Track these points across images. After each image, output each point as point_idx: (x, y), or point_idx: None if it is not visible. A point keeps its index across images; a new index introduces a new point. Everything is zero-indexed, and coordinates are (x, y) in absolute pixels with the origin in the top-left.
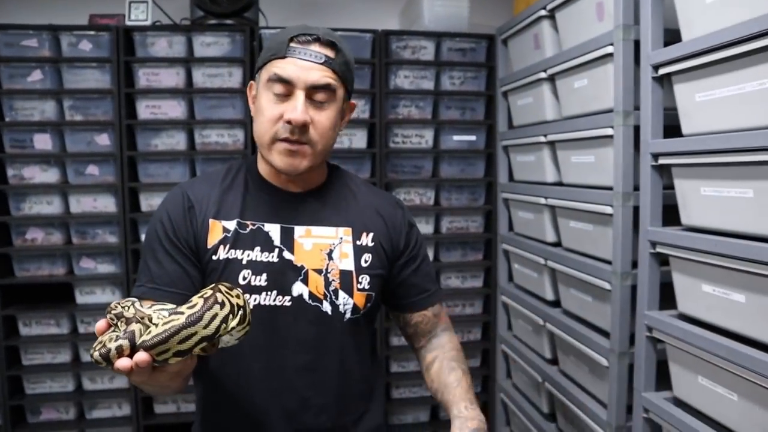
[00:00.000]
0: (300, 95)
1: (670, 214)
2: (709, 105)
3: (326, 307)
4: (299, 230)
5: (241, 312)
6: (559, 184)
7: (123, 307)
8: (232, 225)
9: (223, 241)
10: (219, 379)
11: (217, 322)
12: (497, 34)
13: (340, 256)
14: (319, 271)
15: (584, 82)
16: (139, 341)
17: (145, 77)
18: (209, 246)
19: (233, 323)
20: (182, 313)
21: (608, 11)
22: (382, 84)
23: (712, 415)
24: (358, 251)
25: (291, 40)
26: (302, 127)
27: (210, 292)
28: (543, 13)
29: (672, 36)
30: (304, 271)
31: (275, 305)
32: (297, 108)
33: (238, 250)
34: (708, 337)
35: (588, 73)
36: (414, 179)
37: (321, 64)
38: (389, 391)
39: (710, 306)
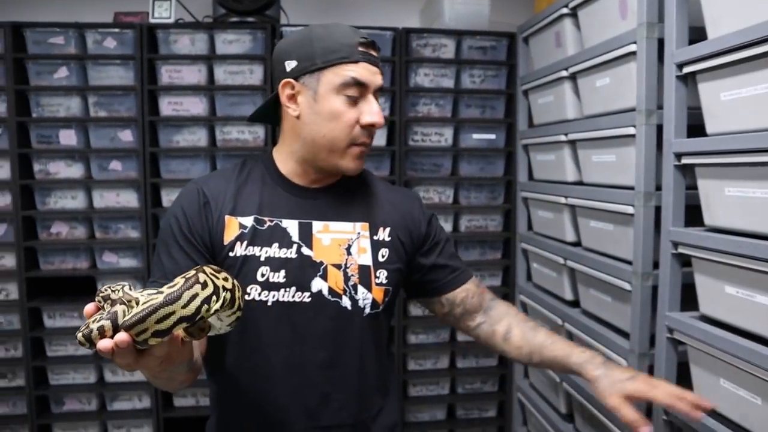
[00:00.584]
0: (373, 99)
1: (691, 215)
2: (734, 104)
3: (346, 302)
4: (317, 225)
5: (227, 295)
6: (580, 183)
7: (112, 290)
8: (249, 221)
9: (239, 238)
10: (237, 375)
11: (197, 302)
12: (518, 33)
13: (358, 251)
14: (338, 266)
15: (606, 81)
16: (120, 322)
17: (167, 74)
18: (225, 242)
19: (216, 306)
20: (162, 292)
21: (632, 9)
22: (402, 82)
23: (734, 418)
24: (376, 246)
25: (359, 44)
26: (374, 130)
27: (192, 272)
28: (565, 11)
29: (696, 34)
30: (323, 266)
31: (294, 302)
32: (376, 111)
33: (255, 247)
34: (731, 339)
35: (610, 72)
36: (433, 177)
37: (378, 67)
38: (406, 389)
39: (733, 308)
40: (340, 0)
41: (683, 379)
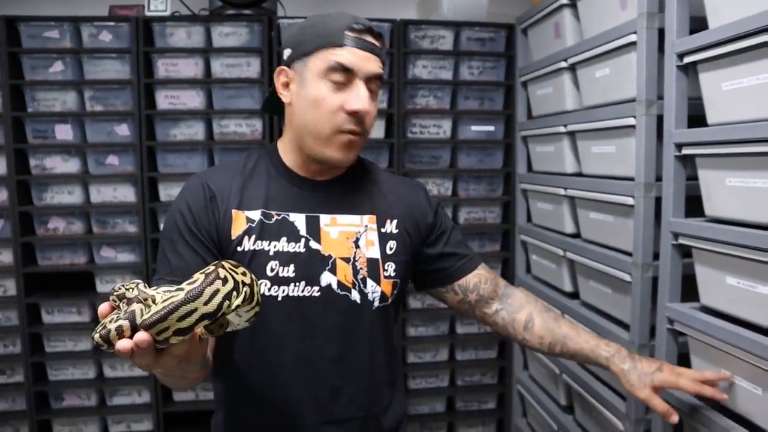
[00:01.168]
0: (361, 85)
1: (691, 206)
2: (735, 94)
3: (355, 295)
4: (324, 219)
5: (246, 290)
6: (579, 174)
7: (127, 289)
8: (256, 215)
9: (247, 232)
10: (247, 371)
11: (218, 298)
12: (517, 24)
13: (366, 244)
14: (346, 260)
15: (606, 72)
16: (139, 321)
17: (164, 68)
18: (233, 237)
19: (237, 301)
20: (182, 289)
21: None
22: (400, 74)
23: (735, 409)
24: (383, 239)
25: (347, 28)
26: (362, 117)
27: (212, 268)
28: (564, 1)
29: (697, 24)
30: (331, 260)
31: (304, 296)
32: (362, 97)
33: (264, 241)
34: (732, 330)
35: (610, 62)
36: (432, 170)
37: (376, 54)
38: (406, 381)
39: (734, 299)
40: None
41: None
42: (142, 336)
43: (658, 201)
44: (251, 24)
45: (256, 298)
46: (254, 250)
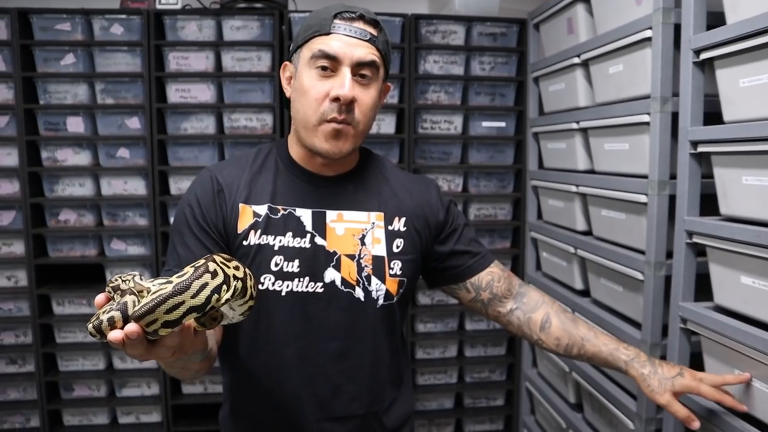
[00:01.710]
0: (346, 72)
1: (705, 204)
2: (753, 91)
3: (359, 293)
4: (331, 215)
5: (238, 284)
6: (591, 171)
7: (123, 281)
8: (263, 210)
9: (253, 226)
10: (250, 365)
11: (207, 291)
12: (529, 19)
13: (372, 242)
14: (351, 257)
15: (620, 68)
16: (130, 312)
17: (175, 61)
18: (239, 231)
19: (227, 295)
20: (171, 282)
21: None
22: (411, 69)
23: (750, 411)
24: (390, 236)
25: (335, 16)
26: (348, 105)
27: (202, 261)
28: None
29: (714, 19)
30: (336, 256)
31: (308, 292)
32: (344, 84)
33: (269, 236)
34: (746, 330)
35: (624, 59)
36: (442, 165)
37: (366, 41)
38: (414, 377)
39: (749, 298)
40: None
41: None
42: (131, 327)
43: (672, 199)
44: (262, 18)
45: (249, 292)
46: (259, 244)
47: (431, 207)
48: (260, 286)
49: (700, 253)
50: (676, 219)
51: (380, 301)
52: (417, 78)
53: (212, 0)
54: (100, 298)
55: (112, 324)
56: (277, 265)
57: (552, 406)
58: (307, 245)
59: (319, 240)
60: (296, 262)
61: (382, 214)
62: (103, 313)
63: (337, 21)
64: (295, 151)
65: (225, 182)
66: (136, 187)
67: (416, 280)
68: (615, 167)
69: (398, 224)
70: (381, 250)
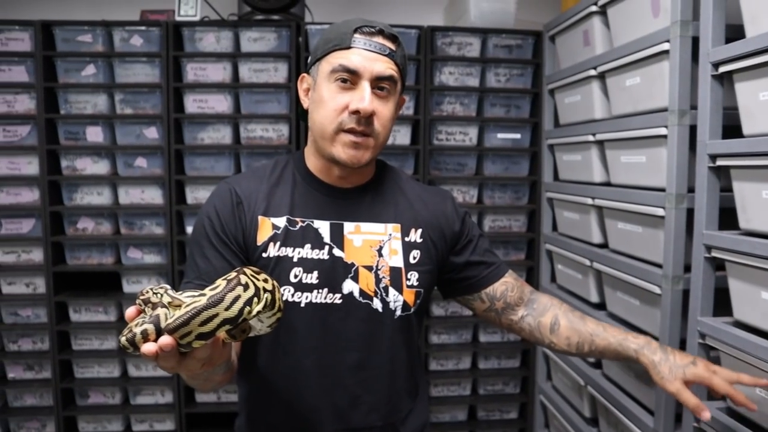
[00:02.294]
0: (366, 85)
1: (723, 218)
2: None
3: (377, 304)
4: (348, 226)
5: (267, 296)
6: (607, 184)
7: (155, 293)
8: (281, 222)
9: (273, 239)
10: (269, 375)
11: (239, 304)
12: (545, 31)
13: (389, 253)
14: (369, 268)
15: (636, 80)
16: (163, 325)
17: (192, 72)
18: (259, 243)
19: (258, 307)
20: (205, 294)
21: (664, 7)
22: (426, 80)
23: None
24: (407, 248)
25: (355, 31)
26: (368, 118)
27: (234, 274)
28: (594, 9)
29: (733, 32)
30: (354, 268)
31: (326, 303)
32: (365, 98)
33: (288, 248)
34: (766, 346)
35: (641, 71)
36: (457, 177)
37: (385, 55)
38: (427, 389)
39: None
40: None
41: None
42: (165, 340)
43: (690, 212)
44: (279, 29)
45: (278, 304)
46: (278, 256)
47: (447, 218)
48: None
49: (719, 267)
50: (695, 233)
51: (398, 312)
52: (432, 89)
53: (230, 12)
54: (131, 311)
55: (145, 337)
56: (296, 276)
57: (567, 420)
58: (326, 257)
59: (337, 251)
60: (315, 274)
61: (398, 225)
62: (136, 325)
63: (357, 35)
64: (312, 163)
65: (244, 195)
66: (153, 196)
67: (432, 291)
68: (632, 180)
69: (415, 236)
70: (398, 262)
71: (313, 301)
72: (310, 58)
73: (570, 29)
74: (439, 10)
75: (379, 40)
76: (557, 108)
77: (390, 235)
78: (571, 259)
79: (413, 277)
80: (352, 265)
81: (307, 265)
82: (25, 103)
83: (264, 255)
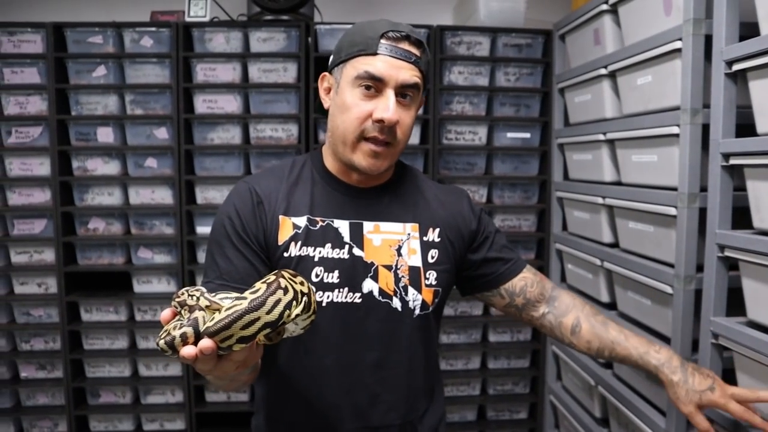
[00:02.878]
0: (391, 94)
1: (736, 217)
2: None
3: (396, 303)
4: (368, 226)
5: (305, 299)
6: (618, 183)
7: (190, 295)
8: (302, 221)
9: (294, 238)
10: (289, 374)
11: (280, 307)
12: (554, 30)
13: (408, 252)
14: (388, 267)
15: (648, 79)
16: (202, 328)
17: (202, 72)
18: (280, 243)
19: (297, 310)
20: (245, 298)
21: (676, 5)
22: (436, 80)
23: None
24: (425, 247)
25: (381, 36)
26: (391, 127)
27: (273, 277)
28: (605, 7)
29: (747, 30)
30: (374, 267)
31: (347, 302)
32: (390, 107)
33: (309, 247)
34: None
35: (653, 70)
36: (466, 176)
37: (411, 63)
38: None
39: None
40: None
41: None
42: (207, 343)
43: (702, 211)
44: (288, 30)
45: (312, 306)
46: (300, 255)
47: (464, 217)
48: None
49: (731, 266)
50: (707, 232)
51: (417, 311)
52: (442, 89)
53: (240, 12)
54: (166, 313)
55: (184, 340)
56: (317, 276)
57: (577, 420)
58: (346, 256)
59: (357, 251)
60: (336, 273)
61: (417, 225)
62: (174, 329)
63: (383, 41)
64: (330, 163)
65: (264, 194)
66: (163, 196)
67: (450, 290)
68: (643, 179)
69: (433, 235)
70: (417, 261)
71: (334, 300)
72: (332, 57)
73: (580, 28)
74: (448, 9)
75: (405, 46)
76: (567, 107)
77: (409, 234)
78: (582, 258)
79: (431, 276)
80: (372, 264)
81: (328, 264)
82: (37, 105)
83: (285, 254)
